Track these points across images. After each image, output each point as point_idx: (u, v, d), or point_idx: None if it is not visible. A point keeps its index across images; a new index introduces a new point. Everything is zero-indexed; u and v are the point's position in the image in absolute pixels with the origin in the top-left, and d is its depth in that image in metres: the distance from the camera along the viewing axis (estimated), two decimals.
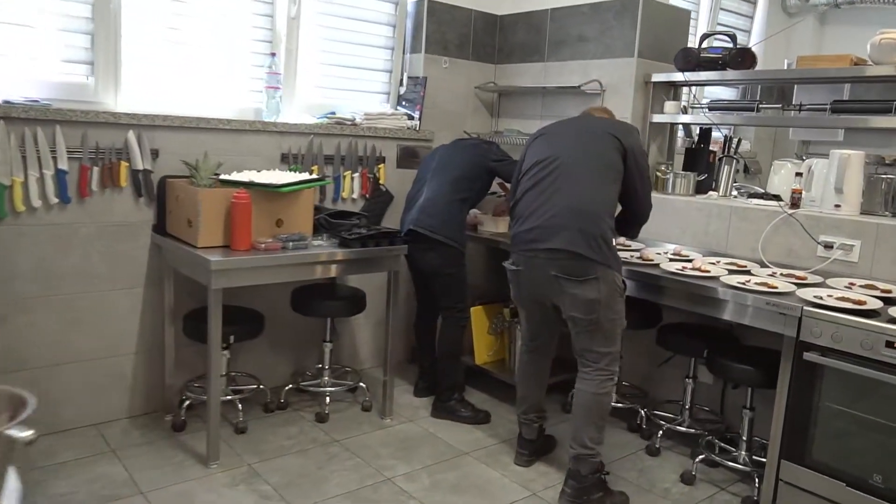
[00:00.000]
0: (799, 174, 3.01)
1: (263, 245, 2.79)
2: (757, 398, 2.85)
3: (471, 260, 3.59)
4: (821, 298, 2.41)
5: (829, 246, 2.82)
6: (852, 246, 2.76)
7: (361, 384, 3.49)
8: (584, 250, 2.49)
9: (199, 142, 3.16)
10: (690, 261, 2.96)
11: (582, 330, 2.59)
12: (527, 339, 2.90)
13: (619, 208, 2.74)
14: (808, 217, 2.90)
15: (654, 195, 3.44)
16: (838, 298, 2.43)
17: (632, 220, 2.80)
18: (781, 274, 2.82)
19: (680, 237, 3.36)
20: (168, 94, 3.18)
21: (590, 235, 2.50)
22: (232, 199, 2.76)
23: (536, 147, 2.76)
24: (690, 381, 3.14)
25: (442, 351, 3.35)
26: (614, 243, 2.61)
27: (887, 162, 3.06)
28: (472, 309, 3.67)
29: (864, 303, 2.36)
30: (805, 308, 2.35)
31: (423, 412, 3.42)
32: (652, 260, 3.01)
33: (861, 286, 2.61)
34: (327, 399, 3.31)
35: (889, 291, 2.53)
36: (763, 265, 2.99)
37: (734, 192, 3.47)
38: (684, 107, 3.57)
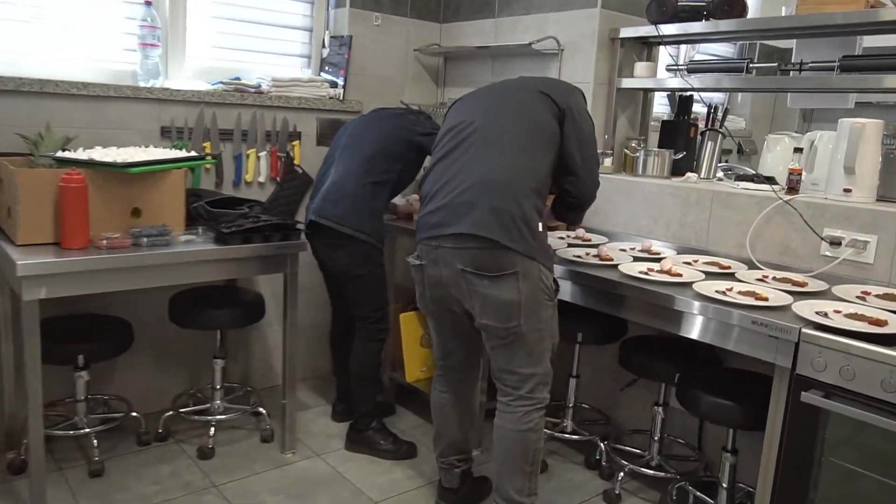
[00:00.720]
0: (798, 150, 2.36)
1: (106, 241, 2.16)
2: (741, 436, 2.23)
3: (402, 256, 2.95)
4: (825, 316, 1.78)
5: (835, 242, 2.18)
6: (866, 243, 2.12)
7: (261, 409, 2.86)
8: (499, 235, 1.88)
9: (45, 111, 2.51)
10: (661, 259, 2.32)
11: (498, 344, 1.99)
12: (438, 358, 2.27)
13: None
14: (809, 205, 2.26)
15: (622, 178, 2.82)
16: (849, 316, 1.79)
17: (571, 200, 2.16)
18: (774, 279, 2.19)
19: (651, 229, 2.72)
20: (7, 49, 2.54)
21: (506, 216, 1.89)
22: (60, 182, 2.12)
23: (453, 112, 2.14)
24: (660, 409, 2.52)
25: (355, 370, 2.73)
26: (543, 229, 1.99)
27: None
28: (402, 316, 3.05)
29: (884, 323, 1.72)
30: (804, 330, 1.72)
31: (336, 442, 2.80)
32: (611, 259, 2.38)
33: (878, 296, 1.98)
34: (212, 430, 2.68)
35: None
36: (752, 266, 2.36)
37: (719, 175, 2.82)
38: (673, 68, 2.91)
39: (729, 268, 2.33)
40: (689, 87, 2.69)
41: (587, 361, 2.98)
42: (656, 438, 2.56)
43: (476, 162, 1.96)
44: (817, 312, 1.80)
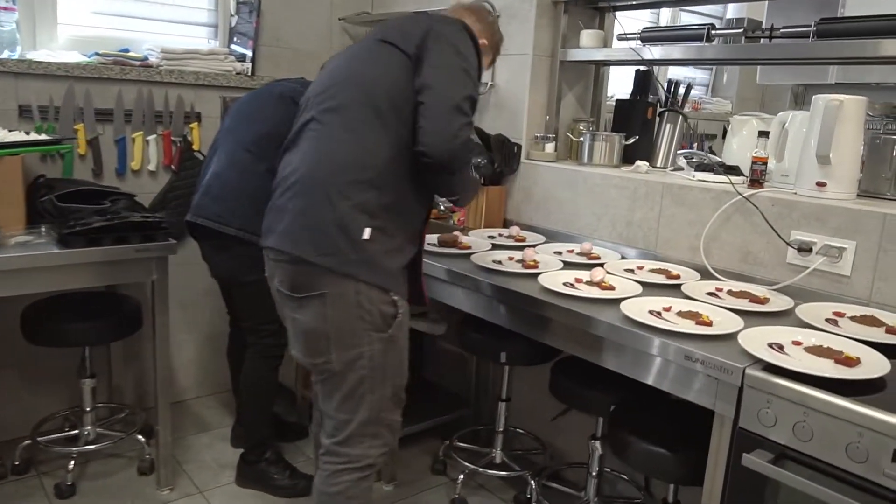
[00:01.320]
0: (763, 134, 1.94)
1: None
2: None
3: None
4: (780, 350, 1.37)
5: (805, 249, 1.76)
6: (841, 250, 1.71)
7: (140, 436, 2.46)
8: (303, 249, 1.50)
9: None
10: (599, 265, 1.91)
11: (316, 380, 1.65)
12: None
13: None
14: (774, 202, 1.84)
15: (564, 167, 2.40)
16: (813, 350, 1.38)
17: (426, 161, 1.51)
18: (731, 292, 1.78)
19: (595, 228, 2.30)
20: None
21: (315, 222, 1.49)
22: None
23: (313, 84, 1.72)
24: (597, 443, 2.11)
25: (244, 392, 2.33)
26: (378, 232, 1.52)
27: None
28: None
29: (855, 362, 1.31)
30: (749, 371, 1.30)
31: (228, 475, 2.41)
32: (536, 265, 1.96)
33: (854, 319, 1.57)
34: (71, 463, 2.28)
35: None
36: (706, 275, 1.94)
37: (680, 163, 2.40)
38: (625, 37, 2.47)
39: (678, 277, 1.92)
40: (640, 59, 2.26)
41: (524, 381, 2.58)
42: (594, 474, 2.15)
43: (304, 150, 1.57)
44: (771, 345, 1.38)
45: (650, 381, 1.51)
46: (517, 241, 2.33)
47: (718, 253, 1.97)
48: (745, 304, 1.68)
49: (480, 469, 2.36)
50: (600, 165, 2.36)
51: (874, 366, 1.29)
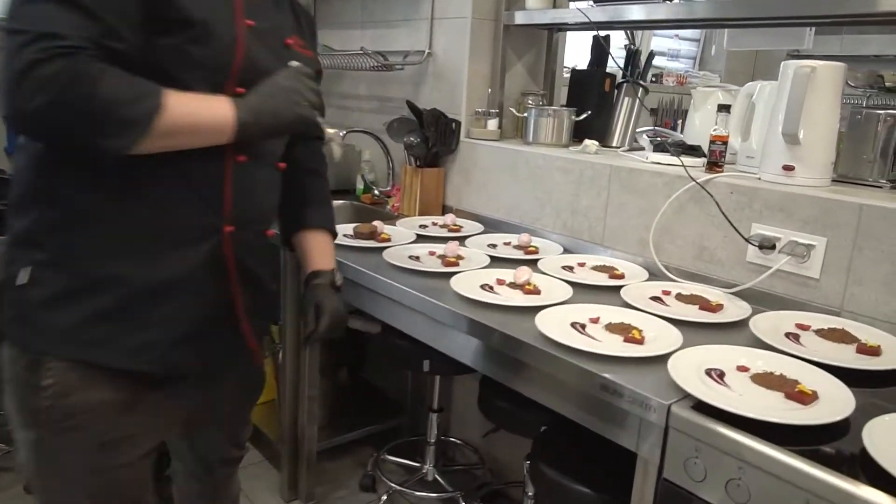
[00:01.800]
0: (724, 108, 1.64)
1: None
2: None
3: None
4: (720, 378, 1.09)
5: (767, 245, 1.47)
6: (809, 247, 1.42)
7: None
8: None
9: None
10: (530, 263, 1.63)
11: None
12: None
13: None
14: (733, 188, 1.55)
15: (507, 146, 2.11)
16: (761, 379, 1.10)
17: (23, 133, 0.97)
18: (680, 296, 1.50)
19: (537, 217, 2.02)
20: None
21: None
22: None
23: None
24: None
25: None
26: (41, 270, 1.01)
27: (889, 85, 1.68)
28: None
29: (811, 398, 1.03)
30: (675, 409, 1.02)
31: None
32: (455, 262, 1.68)
33: (820, 334, 1.29)
34: None
35: (876, 352, 1.20)
36: (656, 274, 1.66)
37: (644, 143, 2.10)
38: None
39: (622, 277, 1.63)
40: (589, 21, 1.95)
41: (462, 387, 2.31)
42: (530, 494, 1.88)
43: None
44: (710, 372, 1.10)
45: (567, 412, 1.23)
46: (451, 230, 2.04)
47: (670, 248, 1.68)
48: (692, 313, 1.40)
49: (406, 490, 2.09)
50: (547, 145, 2.07)
51: (835, 404, 1.01)
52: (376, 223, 1.96)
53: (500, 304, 1.40)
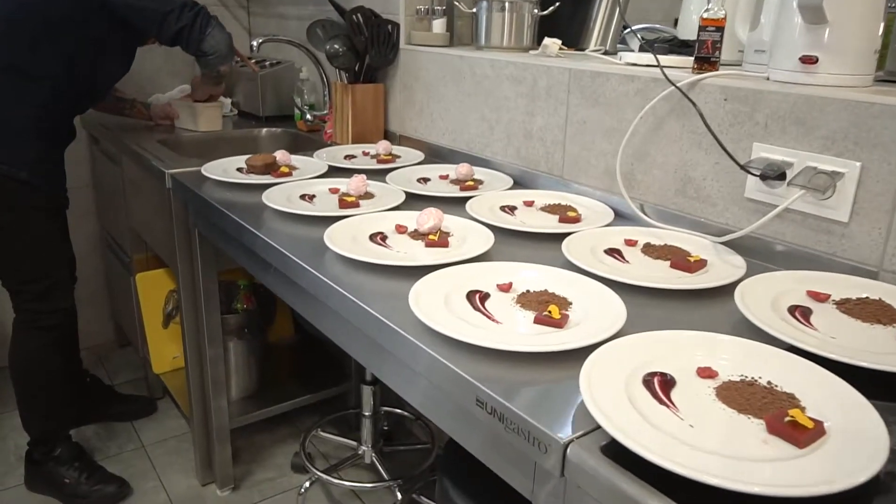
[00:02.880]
0: None
1: None
2: None
3: (149, 185, 1.90)
4: (666, 396, 0.66)
5: (772, 175, 1.01)
6: (835, 177, 0.96)
7: None
8: None
9: None
10: (465, 199, 1.21)
11: None
12: None
13: None
14: (728, 94, 1.08)
15: (450, 51, 1.66)
16: (728, 392, 0.67)
17: None
18: (649, 248, 1.07)
19: (486, 144, 1.57)
20: None
21: None
22: None
23: None
24: None
25: (13, 373, 1.73)
26: None
27: None
28: (137, 277, 2.00)
29: (814, 434, 0.60)
30: (573, 453, 0.61)
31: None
32: (353, 203, 1.27)
33: (846, 307, 0.85)
34: None
35: None
36: (625, 217, 1.23)
37: (634, 45, 1.61)
38: None
39: (576, 220, 1.20)
40: None
41: None
42: None
43: None
44: (650, 381, 0.69)
45: (454, 433, 0.83)
46: (381, 161, 1.62)
47: (645, 181, 1.23)
48: (658, 275, 0.97)
49: (334, 480, 1.74)
50: (502, 49, 1.60)
51: (857, 456, 0.58)
52: (279, 153, 1.54)
53: (379, 263, 0.99)
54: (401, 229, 1.13)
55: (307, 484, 1.76)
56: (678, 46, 1.32)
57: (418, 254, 1.03)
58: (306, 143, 2.05)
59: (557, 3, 1.61)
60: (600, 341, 0.75)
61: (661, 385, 0.68)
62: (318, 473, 1.70)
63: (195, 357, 1.73)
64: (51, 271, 1.66)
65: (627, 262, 1.03)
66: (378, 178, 1.43)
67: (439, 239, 1.07)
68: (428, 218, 1.10)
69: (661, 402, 0.66)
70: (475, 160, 1.58)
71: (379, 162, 1.62)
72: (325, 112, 2.01)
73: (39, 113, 1.60)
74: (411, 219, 1.15)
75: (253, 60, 2.27)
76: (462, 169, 1.45)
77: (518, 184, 1.46)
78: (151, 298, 1.99)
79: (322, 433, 1.92)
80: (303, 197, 1.32)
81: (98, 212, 2.42)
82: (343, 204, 1.25)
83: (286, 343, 2.18)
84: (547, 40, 1.48)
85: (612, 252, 1.06)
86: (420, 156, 1.67)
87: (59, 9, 1.57)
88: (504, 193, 1.36)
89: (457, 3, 1.67)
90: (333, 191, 1.37)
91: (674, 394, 0.67)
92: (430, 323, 0.78)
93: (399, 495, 1.67)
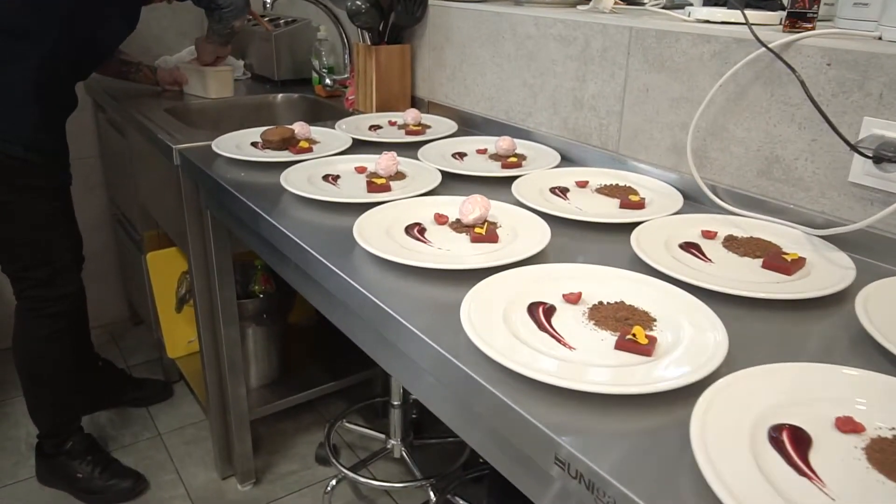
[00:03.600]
0: None
1: None
2: None
3: (156, 160, 1.76)
4: (800, 453, 0.52)
5: (889, 157, 0.84)
6: None
7: None
8: None
9: None
10: (510, 182, 1.05)
11: None
12: None
13: None
14: (831, 57, 0.90)
15: (487, 7, 1.48)
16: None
17: None
18: (730, 241, 0.91)
19: (528, 113, 1.40)
20: None
21: None
22: None
23: None
24: None
25: (18, 364, 1.62)
26: None
27: None
28: (148, 257, 1.88)
29: None
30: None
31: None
32: (386, 186, 1.11)
33: None
34: None
35: None
36: (696, 202, 1.07)
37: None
38: None
39: (640, 205, 1.04)
40: None
41: None
42: None
43: None
44: (778, 435, 0.54)
45: (476, 445, 0.69)
46: (410, 133, 1.46)
47: (719, 158, 1.07)
48: (752, 278, 0.81)
49: (362, 479, 1.62)
50: (545, 3, 1.42)
51: None
52: (298, 125, 1.38)
53: (421, 266, 0.84)
54: (441, 219, 0.98)
55: (334, 482, 1.65)
56: (760, 2, 1.13)
57: (464, 252, 0.88)
58: (326, 110, 1.89)
59: None
60: (703, 378, 0.60)
61: (793, 444, 0.53)
62: (345, 471, 1.58)
63: (210, 344, 1.61)
64: (54, 256, 1.53)
65: (710, 260, 0.87)
66: (408, 153, 1.27)
67: (487, 232, 0.91)
68: (473, 208, 0.94)
69: (798, 470, 0.51)
70: (515, 131, 1.42)
71: (408, 133, 1.46)
72: (346, 76, 1.84)
73: (37, 77, 1.45)
74: (452, 206, 1.00)
75: (266, 18, 2.10)
76: (503, 143, 1.29)
77: (566, 159, 1.30)
78: (164, 279, 1.87)
79: (347, 424, 1.80)
80: (326, 178, 1.17)
81: (107, 183, 2.29)
82: (372, 187, 1.10)
83: (307, 325, 2.06)
84: None
85: (690, 247, 0.90)
86: (453, 126, 1.50)
87: None
88: (552, 172, 1.20)
89: None
90: (360, 170, 1.21)
91: (812, 457, 0.52)
92: (495, 355, 0.63)
93: (433, 495, 1.55)
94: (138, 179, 1.84)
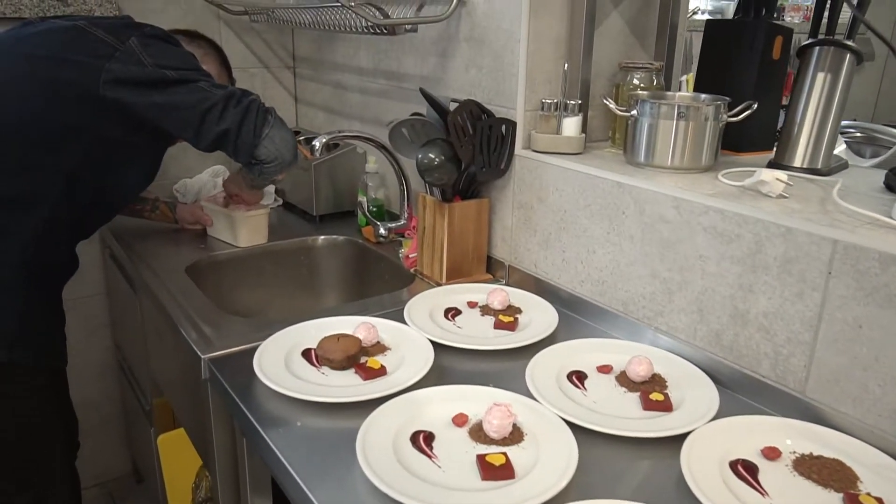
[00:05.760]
0: None
1: None
2: None
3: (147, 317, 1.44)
4: None
5: None
6: None
7: None
8: None
9: None
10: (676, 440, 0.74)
11: None
12: None
13: None
14: None
15: (594, 171, 1.17)
16: None
17: None
18: None
19: (660, 311, 1.09)
20: None
21: None
22: None
23: None
24: None
25: None
26: None
27: None
28: (160, 440, 1.55)
29: None
30: None
31: None
32: (501, 466, 0.78)
33: None
34: None
35: None
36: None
37: (842, 150, 1.14)
38: None
39: (854, 479, 0.71)
40: None
41: None
42: None
43: None
44: None
45: None
46: (500, 326, 1.15)
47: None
48: None
49: None
50: (674, 169, 1.13)
51: None
52: (363, 330, 1.07)
53: None
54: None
55: None
56: None
57: None
58: (378, 264, 1.58)
59: (754, 105, 1.13)
60: None
61: None
62: None
63: None
64: (40, 467, 1.21)
65: None
66: (511, 373, 0.96)
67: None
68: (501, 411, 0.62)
69: None
70: (637, 330, 1.11)
71: (497, 326, 1.15)
72: (403, 223, 1.53)
73: (28, 254, 1.15)
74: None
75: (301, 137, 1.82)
76: (639, 366, 0.97)
77: (716, 381, 0.98)
78: (177, 466, 1.53)
79: None
80: (415, 437, 0.85)
81: (112, 324, 1.98)
82: (487, 471, 0.78)
83: None
84: (763, 172, 0.99)
85: None
86: (553, 315, 1.19)
87: (59, 116, 1.13)
88: (714, 427, 0.88)
89: (606, 100, 1.19)
90: (459, 422, 0.89)
91: None
92: None
93: None
94: (151, 351, 1.52)
